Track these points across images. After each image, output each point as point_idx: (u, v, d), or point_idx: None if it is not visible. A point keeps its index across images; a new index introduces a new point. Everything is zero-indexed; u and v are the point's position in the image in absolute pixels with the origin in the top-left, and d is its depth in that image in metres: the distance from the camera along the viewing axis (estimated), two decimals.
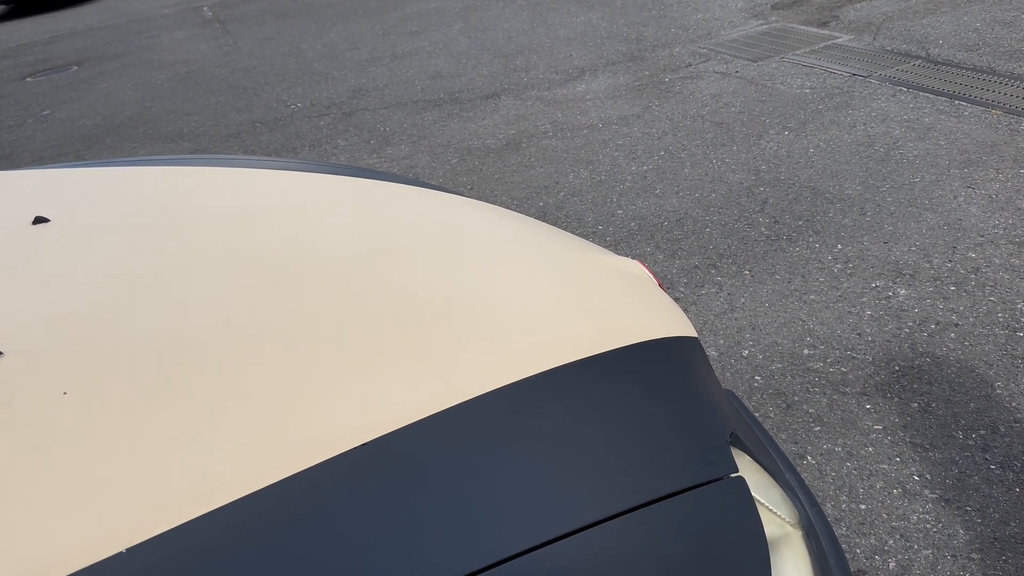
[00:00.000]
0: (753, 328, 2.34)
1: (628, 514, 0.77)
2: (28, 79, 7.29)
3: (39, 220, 1.14)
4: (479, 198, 3.50)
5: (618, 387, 0.92)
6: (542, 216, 3.26)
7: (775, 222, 2.87)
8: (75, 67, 7.46)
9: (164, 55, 7.33)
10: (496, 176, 3.69)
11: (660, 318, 1.11)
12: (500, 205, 3.37)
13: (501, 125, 4.32)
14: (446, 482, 0.76)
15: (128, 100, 6.02)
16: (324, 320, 0.91)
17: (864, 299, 2.37)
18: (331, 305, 0.94)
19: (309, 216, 1.19)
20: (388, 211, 1.25)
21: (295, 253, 1.05)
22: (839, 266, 2.55)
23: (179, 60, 7.03)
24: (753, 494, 0.92)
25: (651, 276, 1.29)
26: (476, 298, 1.00)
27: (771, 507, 0.95)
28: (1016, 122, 3.23)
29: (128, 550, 0.65)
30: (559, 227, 3.08)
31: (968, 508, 1.69)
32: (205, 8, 9.53)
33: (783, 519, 0.95)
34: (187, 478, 0.70)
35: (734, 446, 0.98)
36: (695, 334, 1.12)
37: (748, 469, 0.97)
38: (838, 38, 4.62)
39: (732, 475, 0.87)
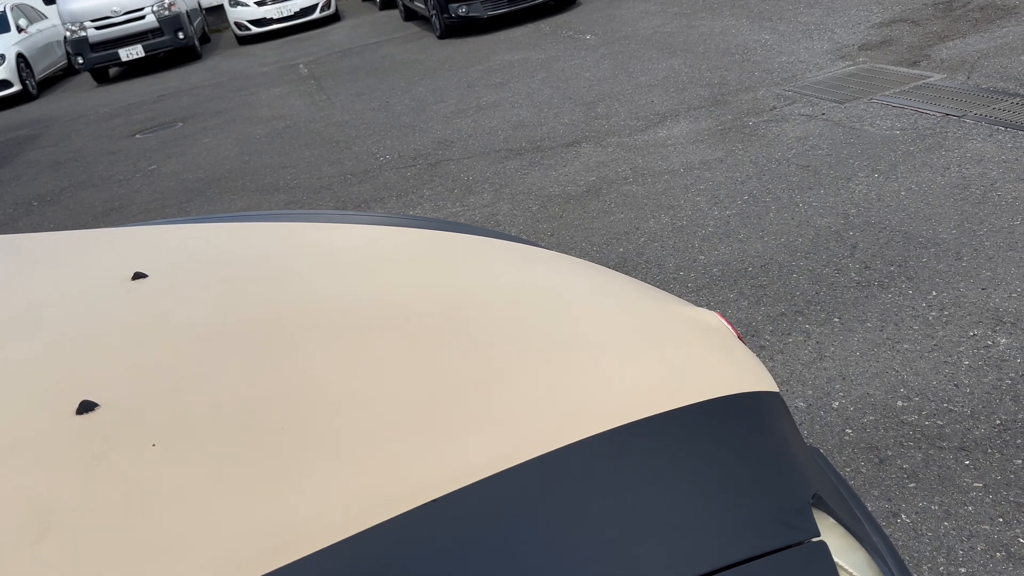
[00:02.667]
0: (843, 378, 2.26)
1: None
2: (137, 135, 7.80)
3: (138, 276, 1.22)
4: (559, 244, 3.53)
5: (694, 444, 0.91)
6: (622, 262, 3.26)
7: (866, 267, 2.78)
8: (180, 123, 7.94)
9: (262, 111, 7.73)
10: (576, 223, 3.71)
11: (739, 372, 1.09)
12: (580, 251, 3.39)
13: (581, 172, 4.35)
14: (517, 539, 0.76)
15: (228, 154, 6.36)
16: (401, 377, 0.93)
17: (961, 348, 2.26)
18: (408, 362, 0.96)
19: (389, 271, 1.23)
20: (464, 264, 1.28)
21: (376, 308, 1.09)
22: (934, 314, 2.45)
23: (276, 115, 7.40)
24: (836, 559, 0.89)
25: (730, 327, 1.27)
26: (550, 352, 1.00)
27: (855, 572, 0.91)
28: None
29: None
30: (639, 273, 3.07)
31: None
32: (301, 65, 10.03)
33: None
34: (269, 531, 0.73)
35: (817, 508, 0.95)
36: (776, 388, 1.10)
37: (831, 532, 0.93)
38: (930, 77, 4.49)
39: (813, 539, 0.84)
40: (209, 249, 1.37)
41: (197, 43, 13.08)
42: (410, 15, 12.09)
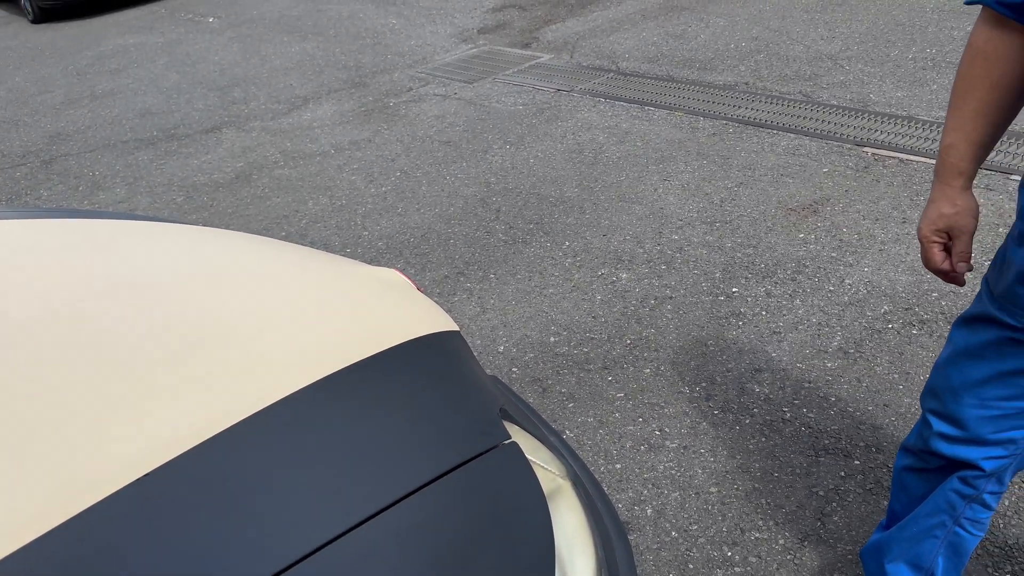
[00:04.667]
0: (504, 325, 2.51)
1: (423, 489, 0.84)
2: None
3: None
4: None
5: (393, 383, 0.98)
6: None
7: (510, 228, 3.08)
8: None
9: None
10: (230, 211, 3.57)
11: (422, 317, 1.18)
12: None
13: (227, 158, 4.17)
14: (237, 496, 0.77)
15: None
16: (84, 364, 0.87)
17: (594, 286, 2.64)
18: (86, 349, 0.90)
19: (43, 264, 1.11)
20: (129, 248, 1.20)
21: (38, 301, 0.99)
22: (569, 260, 2.81)
23: None
24: (527, 456, 1.02)
25: (409, 281, 1.36)
26: (242, 320, 1.00)
27: (543, 464, 1.06)
28: (695, 120, 3.76)
29: None
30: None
31: (702, 450, 1.96)
32: None
33: (555, 474, 1.06)
34: None
35: (504, 419, 1.08)
36: (455, 327, 1.21)
37: (519, 435, 1.07)
38: (540, 57, 5.05)
39: (506, 442, 0.96)
40: None
41: None
42: None
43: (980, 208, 1.45)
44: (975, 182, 2.74)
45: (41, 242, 1.19)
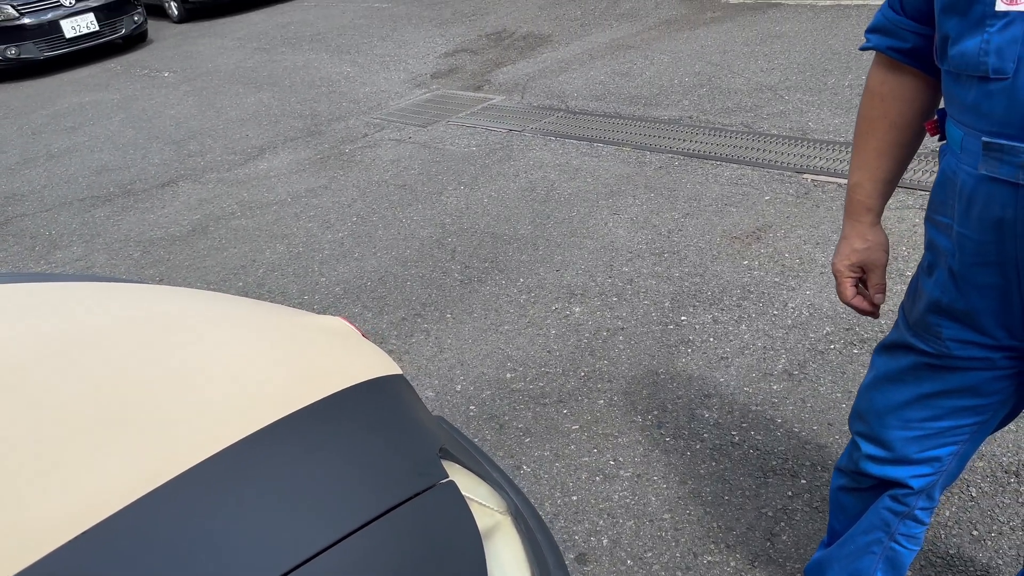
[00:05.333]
0: (462, 364, 2.55)
1: (359, 532, 0.87)
2: None
3: None
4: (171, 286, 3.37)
5: (333, 428, 1.02)
6: (244, 295, 3.23)
7: (466, 267, 3.14)
8: None
9: None
10: (187, 263, 3.58)
11: (365, 363, 1.22)
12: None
13: (183, 211, 4.19)
14: (179, 547, 0.80)
15: None
16: (24, 425, 0.90)
17: (548, 321, 2.70)
18: (27, 409, 0.92)
19: None
20: (64, 308, 1.23)
21: None
22: (524, 296, 2.87)
23: None
24: (464, 493, 1.06)
25: (354, 328, 1.40)
26: (185, 373, 1.04)
27: (481, 501, 1.10)
28: (641, 155, 3.87)
29: None
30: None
31: (655, 478, 2.00)
32: None
33: (493, 509, 1.11)
34: None
35: (445, 459, 1.12)
36: (399, 371, 1.26)
37: (458, 474, 1.11)
38: (492, 99, 5.16)
39: (443, 481, 1.00)
40: None
41: None
42: None
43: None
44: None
45: None
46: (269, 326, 1.25)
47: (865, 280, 1.24)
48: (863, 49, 1.17)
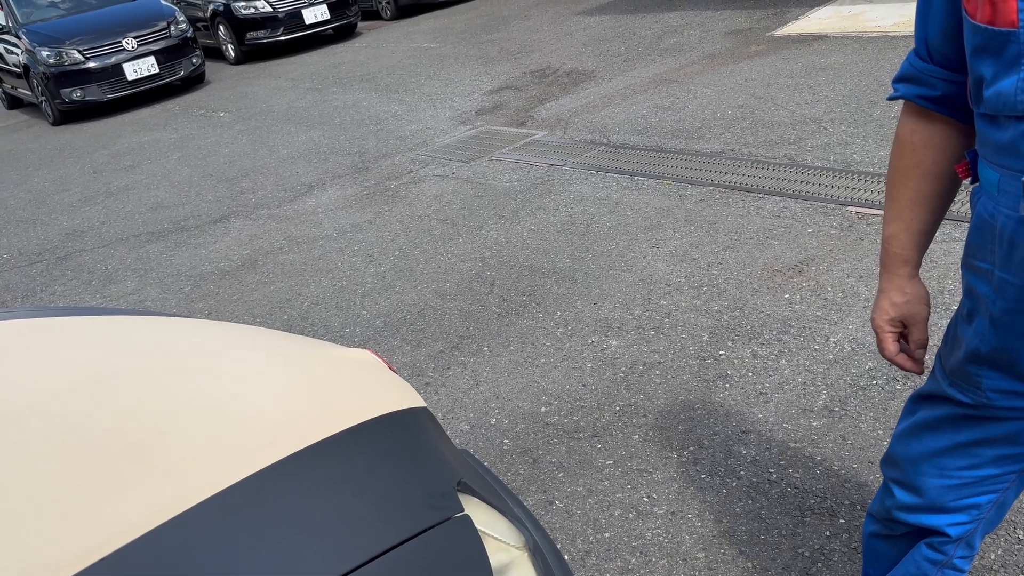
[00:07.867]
0: (497, 398, 2.55)
1: (367, 565, 0.88)
2: None
3: None
4: (219, 320, 3.46)
5: (352, 460, 1.03)
6: (288, 328, 3.30)
7: (503, 300, 3.15)
8: None
9: None
10: (235, 297, 3.67)
11: (390, 395, 1.24)
12: (242, 323, 3.36)
13: (234, 247, 4.31)
14: (193, 575, 0.82)
15: None
16: (49, 457, 0.93)
17: (584, 354, 2.69)
18: (53, 441, 0.96)
19: (21, 362, 1.19)
20: (97, 341, 1.27)
21: (14, 395, 1.06)
22: (560, 330, 2.87)
23: None
24: (481, 528, 1.06)
25: (381, 360, 1.42)
26: (211, 405, 1.07)
27: (499, 537, 1.10)
28: (683, 188, 3.86)
29: None
30: (307, 336, 3.14)
31: (690, 515, 1.97)
32: None
33: (510, 545, 1.10)
34: None
35: (463, 492, 1.13)
36: (423, 404, 1.27)
37: (476, 509, 1.11)
38: (535, 135, 5.21)
39: (458, 515, 1.01)
40: None
41: None
42: (14, 103, 10.90)
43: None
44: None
45: (22, 341, 1.27)
46: (295, 358, 1.28)
47: (906, 335, 1.20)
48: (891, 99, 1.15)
